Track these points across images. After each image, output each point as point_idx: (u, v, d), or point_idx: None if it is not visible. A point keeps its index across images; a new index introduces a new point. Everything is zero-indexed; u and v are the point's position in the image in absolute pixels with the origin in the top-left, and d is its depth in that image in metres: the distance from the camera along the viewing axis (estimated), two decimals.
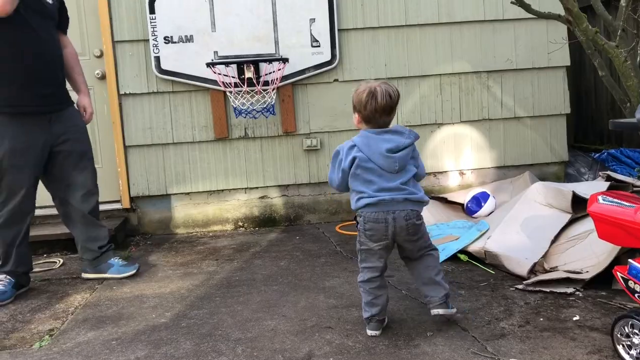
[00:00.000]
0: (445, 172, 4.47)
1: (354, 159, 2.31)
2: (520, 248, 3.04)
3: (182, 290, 3.03)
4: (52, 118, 3.05)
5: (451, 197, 4.19)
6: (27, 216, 3.07)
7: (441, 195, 4.23)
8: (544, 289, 2.71)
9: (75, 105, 3.25)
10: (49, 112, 3.03)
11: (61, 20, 3.18)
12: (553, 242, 3.00)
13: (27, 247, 3.14)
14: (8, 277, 3.03)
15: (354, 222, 2.44)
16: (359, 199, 2.33)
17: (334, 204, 4.40)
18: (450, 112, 4.40)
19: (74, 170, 3.16)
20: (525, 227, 3.17)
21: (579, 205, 3.06)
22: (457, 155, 4.45)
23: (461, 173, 4.49)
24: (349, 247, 3.63)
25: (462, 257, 3.27)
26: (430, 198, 4.18)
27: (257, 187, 4.35)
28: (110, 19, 4.03)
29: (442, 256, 3.28)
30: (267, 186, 4.36)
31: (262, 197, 4.37)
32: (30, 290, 3.15)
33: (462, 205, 4.10)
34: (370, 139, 2.31)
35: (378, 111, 2.28)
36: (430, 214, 3.97)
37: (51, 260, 3.70)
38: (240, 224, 4.36)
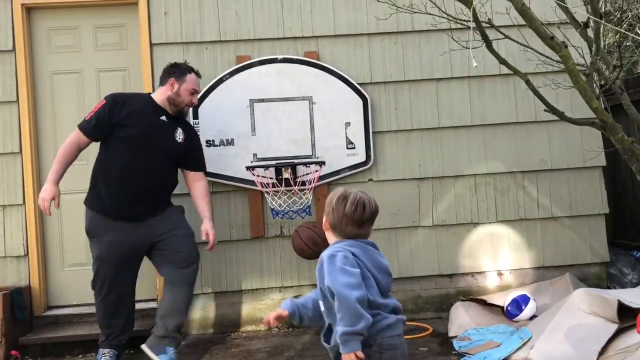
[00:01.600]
0: (483, 272, 4.40)
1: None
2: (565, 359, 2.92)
3: None
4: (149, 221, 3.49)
5: (490, 299, 4.10)
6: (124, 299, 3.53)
7: (480, 297, 4.14)
8: None
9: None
10: (143, 220, 3.46)
11: (187, 160, 3.68)
12: (600, 354, 2.88)
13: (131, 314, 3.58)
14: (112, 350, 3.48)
15: None
16: (377, 320, 1.94)
17: None
18: (486, 212, 4.39)
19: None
20: (570, 336, 3.06)
21: (625, 314, 2.96)
22: (495, 255, 4.39)
23: (499, 273, 4.41)
24: None
25: None
26: (469, 300, 4.13)
27: (291, 287, 4.34)
28: None
29: None
30: (302, 285, 4.34)
31: (296, 297, 4.34)
32: None
33: (501, 307, 4.00)
34: (369, 251, 2.07)
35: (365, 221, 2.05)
36: (469, 317, 3.87)
37: None
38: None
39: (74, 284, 4.22)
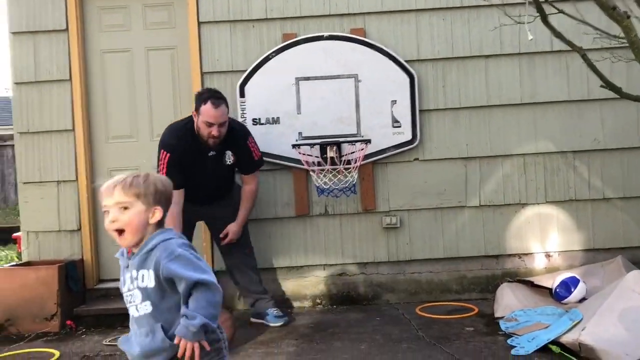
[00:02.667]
0: (531, 254, 4.32)
1: None
2: (619, 342, 2.85)
3: None
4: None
5: (538, 280, 4.02)
6: None
7: (527, 279, 4.07)
8: None
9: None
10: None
11: (240, 166, 3.83)
12: None
13: None
14: None
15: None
16: None
17: (414, 283, 4.33)
18: (534, 192, 4.30)
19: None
20: (624, 319, 2.98)
21: None
22: (543, 237, 4.30)
23: (547, 255, 4.32)
24: (431, 332, 3.53)
25: (554, 348, 3.09)
26: (516, 281, 4.07)
27: (335, 264, 4.36)
28: None
29: (532, 346, 3.13)
30: (346, 263, 4.36)
31: (340, 275, 4.37)
32: None
33: (549, 289, 3.93)
34: None
35: None
36: (516, 298, 3.82)
37: None
38: (318, 301, 4.35)
39: None
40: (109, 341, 3.67)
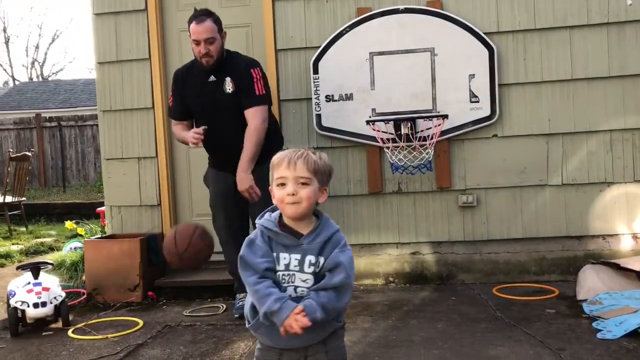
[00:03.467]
0: (616, 235, 4.11)
1: None
2: None
3: None
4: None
5: (624, 263, 3.81)
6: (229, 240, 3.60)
7: (612, 261, 3.86)
8: None
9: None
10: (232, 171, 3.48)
11: (244, 99, 3.47)
12: None
13: None
14: None
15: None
16: None
17: (490, 264, 4.22)
18: (622, 171, 4.07)
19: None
20: None
21: None
22: (631, 218, 4.08)
23: (635, 237, 4.10)
24: (510, 313, 3.44)
25: None
26: (600, 263, 3.89)
27: (408, 243, 4.31)
28: (277, 80, 4.30)
29: (620, 330, 2.99)
30: (419, 242, 4.30)
31: (413, 253, 4.31)
32: (198, 334, 3.35)
33: (636, 272, 3.72)
34: None
35: None
36: (601, 282, 3.65)
37: (215, 305, 3.92)
38: (391, 279, 4.32)
39: None
40: (189, 312, 3.80)
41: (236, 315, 3.57)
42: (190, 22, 3.44)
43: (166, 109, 4.44)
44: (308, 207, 1.78)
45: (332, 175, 1.87)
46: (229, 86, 3.49)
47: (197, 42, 3.41)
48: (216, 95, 3.50)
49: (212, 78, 3.52)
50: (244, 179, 3.38)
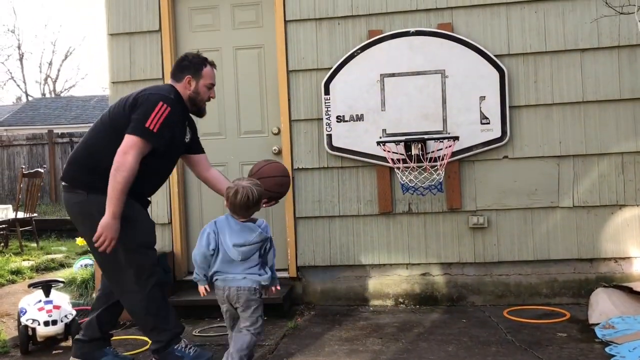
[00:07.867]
0: (629, 258, 4.08)
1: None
2: None
3: None
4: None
5: (637, 287, 3.79)
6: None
7: (625, 284, 3.84)
8: None
9: None
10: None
11: (192, 145, 3.38)
12: None
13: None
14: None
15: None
16: None
17: (501, 286, 4.19)
18: (633, 193, 4.05)
19: None
20: None
21: None
22: None
23: None
24: (521, 337, 3.41)
25: None
26: (612, 286, 3.85)
27: (418, 264, 4.30)
28: (289, 100, 4.34)
29: (634, 356, 2.95)
30: (430, 263, 4.28)
31: (423, 274, 4.30)
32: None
33: None
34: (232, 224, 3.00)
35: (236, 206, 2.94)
36: (614, 305, 3.62)
37: (224, 324, 3.90)
38: (401, 300, 4.30)
39: None
40: (199, 332, 3.80)
41: None
42: (203, 64, 3.25)
43: None
44: None
45: None
46: (188, 134, 3.34)
47: (211, 86, 3.30)
48: (182, 139, 3.29)
49: (186, 125, 3.33)
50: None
